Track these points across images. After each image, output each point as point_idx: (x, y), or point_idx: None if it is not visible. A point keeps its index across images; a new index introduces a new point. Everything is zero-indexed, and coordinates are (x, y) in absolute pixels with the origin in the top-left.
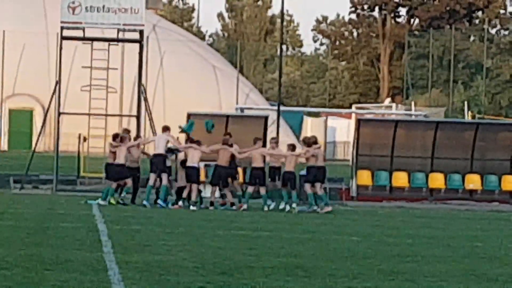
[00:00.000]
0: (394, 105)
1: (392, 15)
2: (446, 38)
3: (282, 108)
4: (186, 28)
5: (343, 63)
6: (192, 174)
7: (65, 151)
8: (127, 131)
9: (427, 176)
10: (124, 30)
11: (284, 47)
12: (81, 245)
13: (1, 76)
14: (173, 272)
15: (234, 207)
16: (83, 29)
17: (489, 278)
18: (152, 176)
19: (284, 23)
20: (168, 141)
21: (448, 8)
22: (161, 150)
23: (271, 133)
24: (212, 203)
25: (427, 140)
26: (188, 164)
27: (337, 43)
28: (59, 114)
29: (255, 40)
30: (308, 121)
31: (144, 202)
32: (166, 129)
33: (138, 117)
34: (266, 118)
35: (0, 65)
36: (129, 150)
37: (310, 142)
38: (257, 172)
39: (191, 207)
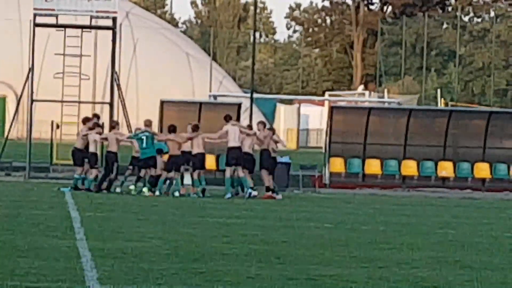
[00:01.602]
0: (367, 92)
1: (365, 2)
2: (419, 26)
3: (255, 95)
4: (159, 15)
5: (316, 50)
6: (176, 162)
7: (38, 138)
8: (97, 116)
9: (399, 163)
10: (97, 17)
11: (257, 34)
12: (54, 232)
13: None
14: (146, 259)
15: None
16: (56, 16)
17: (462, 265)
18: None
19: (257, 10)
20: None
21: None
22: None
23: (244, 120)
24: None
25: (400, 128)
26: (171, 153)
27: (310, 30)
28: (32, 101)
29: (228, 27)
30: (281, 109)
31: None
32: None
33: (111, 104)
34: (239, 105)
35: None
36: (106, 138)
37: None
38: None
39: (176, 193)
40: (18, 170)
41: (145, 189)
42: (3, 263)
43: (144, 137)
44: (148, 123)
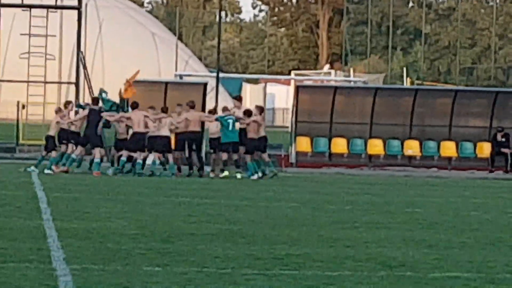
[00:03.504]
0: (333, 71)
1: None
2: (384, 5)
3: (221, 75)
4: None
5: (282, 29)
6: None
7: (5, 118)
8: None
9: (366, 142)
10: None
11: (223, 13)
12: (20, 213)
13: None
14: (113, 239)
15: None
16: None
17: (428, 244)
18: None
19: None
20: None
21: None
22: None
23: (210, 99)
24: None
25: (366, 107)
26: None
27: (276, 9)
28: None
29: (194, 7)
30: (247, 88)
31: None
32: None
33: (77, 84)
34: (205, 85)
35: None
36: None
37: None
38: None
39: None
40: None
41: (238, 175)
42: None
43: (230, 121)
44: (192, 104)
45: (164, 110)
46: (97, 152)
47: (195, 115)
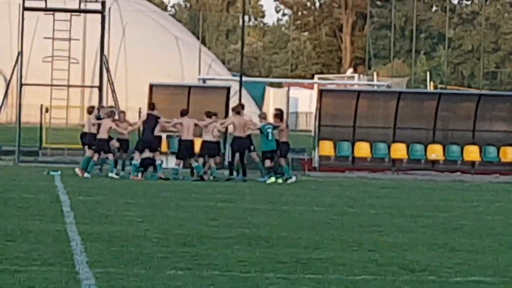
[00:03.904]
0: (356, 75)
1: None
2: (408, 8)
3: (244, 78)
4: None
5: (306, 33)
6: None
7: (27, 122)
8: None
9: (389, 147)
10: (86, 1)
11: (246, 17)
12: (43, 216)
13: None
14: (135, 243)
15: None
16: (45, 0)
17: (451, 248)
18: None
19: None
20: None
21: None
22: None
23: (233, 103)
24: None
25: (389, 111)
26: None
27: (300, 13)
28: (21, 85)
29: (217, 10)
30: (270, 92)
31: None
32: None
33: (100, 88)
34: (228, 88)
35: None
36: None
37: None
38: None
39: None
40: (7, 154)
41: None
42: None
43: (270, 130)
44: (263, 116)
45: (184, 113)
46: (137, 155)
47: (241, 120)
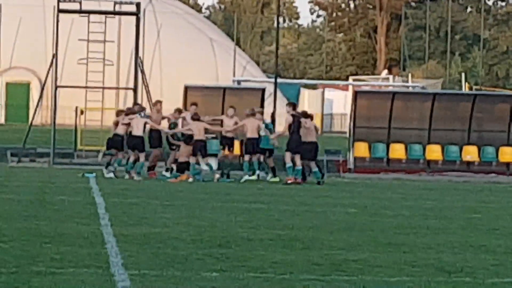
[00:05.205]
0: (391, 76)
1: None
2: (443, 10)
3: (279, 80)
4: (183, 0)
5: (340, 35)
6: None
7: (62, 124)
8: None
9: (424, 148)
10: (120, 3)
11: (281, 19)
12: (78, 218)
13: None
14: (170, 244)
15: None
16: (80, 2)
17: (486, 249)
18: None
19: None
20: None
21: None
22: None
23: (268, 105)
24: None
25: (424, 112)
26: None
27: (334, 15)
28: (56, 87)
29: (252, 12)
30: (305, 93)
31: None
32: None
33: (135, 90)
34: (263, 90)
35: None
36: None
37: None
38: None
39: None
40: (42, 156)
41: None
42: (28, 249)
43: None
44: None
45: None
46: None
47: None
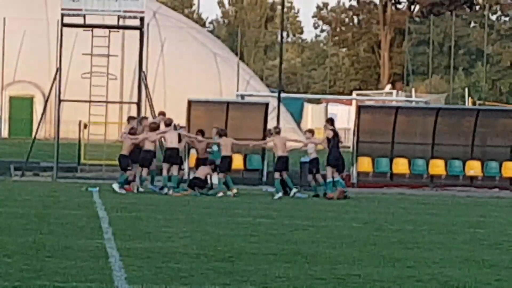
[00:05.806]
0: (394, 91)
1: (393, 1)
2: (446, 25)
3: (282, 95)
4: (187, 15)
5: (344, 49)
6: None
7: (66, 138)
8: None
9: (427, 163)
10: (124, 17)
11: (284, 33)
12: (82, 232)
13: (1, 63)
14: (174, 259)
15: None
16: (84, 16)
17: (490, 264)
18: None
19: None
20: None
21: None
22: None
23: (272, 119)
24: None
25: (427, 127)
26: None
27: (338, 29)
28: (60, 101)
29: (256, 27)
30: (308, 108)
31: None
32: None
33: (138, 104)
34: (266, 105)
35: (0, 52)
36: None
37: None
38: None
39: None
40: (46, 170)
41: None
42: (31, 263)
43: None
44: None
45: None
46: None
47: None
